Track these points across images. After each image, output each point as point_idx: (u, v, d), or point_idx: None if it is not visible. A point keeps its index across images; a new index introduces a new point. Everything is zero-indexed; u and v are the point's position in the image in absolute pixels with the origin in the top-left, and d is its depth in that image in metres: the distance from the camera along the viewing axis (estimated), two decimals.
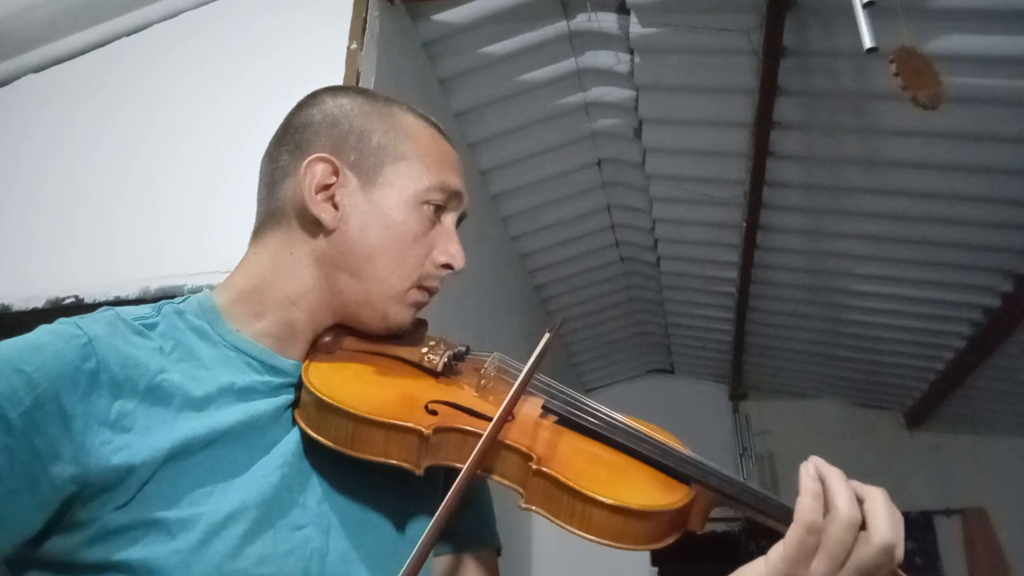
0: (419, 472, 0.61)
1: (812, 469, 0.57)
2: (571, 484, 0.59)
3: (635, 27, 2.18)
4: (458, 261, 0.71)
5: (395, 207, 0.68)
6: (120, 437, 0.55)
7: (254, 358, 0.66)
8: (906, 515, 0.57)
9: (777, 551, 0.55)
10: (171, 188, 1.60)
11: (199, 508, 0.56)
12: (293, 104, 0.75)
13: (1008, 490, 4.03)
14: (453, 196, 0.72)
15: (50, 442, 0.52)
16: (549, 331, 0.71)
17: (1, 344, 0.55)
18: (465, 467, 0.57)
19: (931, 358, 3.62)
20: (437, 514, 0.54)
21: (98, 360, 0.56)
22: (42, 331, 0.57)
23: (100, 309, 0.63)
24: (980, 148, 2.26)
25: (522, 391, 0.64)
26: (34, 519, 0.52)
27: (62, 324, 0.58)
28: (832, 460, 0.60)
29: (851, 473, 0.60)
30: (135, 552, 0.53)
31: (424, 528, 0.55)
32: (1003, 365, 3.37)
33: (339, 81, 1.57)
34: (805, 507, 0.54)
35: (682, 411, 4.56)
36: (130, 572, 0.53)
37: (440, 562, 0.73)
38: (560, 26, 2.25)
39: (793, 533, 0.54)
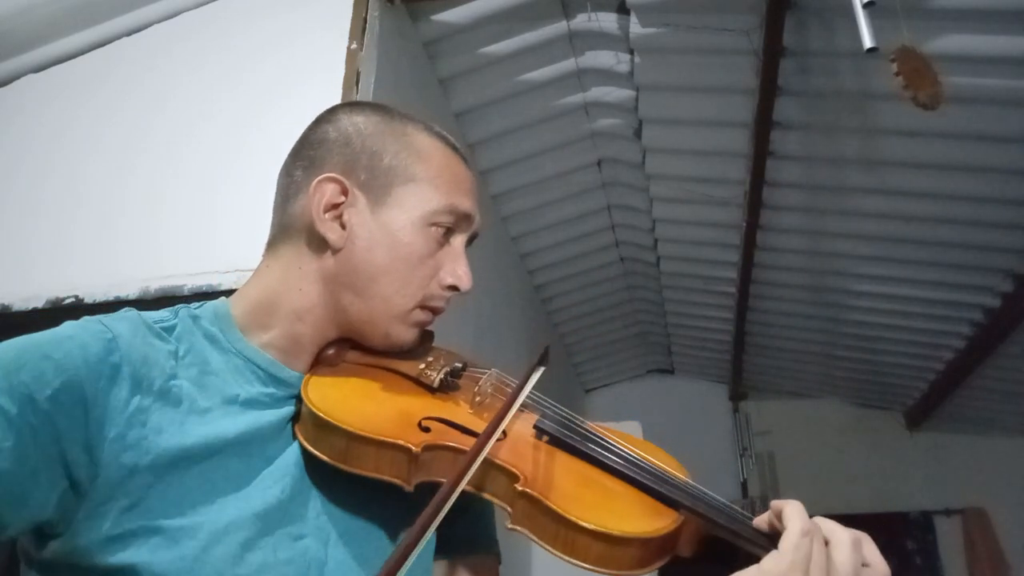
0: (409, 488, 0.61)
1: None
2: (554, 508, 0.58)
3: (635, 27, 2.18)
4: (464, 283, 0.72)
5: (402, 228, 0.69)
6: (133, 432, 0.57)
7: (260, 368, 0.67)
8: (906, 515, 0.58)
9: (771, 558, 0.55)
10: (171, 188, 1.60)
11: (201, 517, 0.57)
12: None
13: (1008, 490, 4.03)
14: (463, 218, 0.72)
15: (72, 425, 0.54)
16: (541, 363, 0.70)
17: (29, 336, 0.57)
18: (447, 483, 0.56)
19: (931, 358, 3.62)
20: (417, 523, 0.52)
21: (121, 356, 0.58)
22: (68, 325, 0.59)
23: (123, 309, 0.65)
24: (980, 148, 2.26)
25: (505, 413, 0.63)
26: (48, 501, 0.53)
27: (87, 320, 0.60)
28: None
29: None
30: (138, 557, 0.54)
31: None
32: (1003, 365, 3.37)
33: (339, 81, 1.57)
34: (797, 513, 0.56)
35: (682, 411, 4.56)
36: None
37: (439, 567, 0.73)
38: (560, 26, 2.25)
39: (788, 538, 0.55)
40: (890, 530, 4.04)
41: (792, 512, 0.57)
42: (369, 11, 1.71)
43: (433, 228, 0.70)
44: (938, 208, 2.57)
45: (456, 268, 0.71)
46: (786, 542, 0.55)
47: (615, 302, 4.03)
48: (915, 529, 4.10)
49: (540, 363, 0.70)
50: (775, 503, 0.59)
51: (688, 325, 4.17)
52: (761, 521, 0.60)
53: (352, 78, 1.58)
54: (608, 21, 2.22)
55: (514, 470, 0.61)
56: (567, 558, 0.58)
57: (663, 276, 3.64)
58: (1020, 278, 2.77)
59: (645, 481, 0.63)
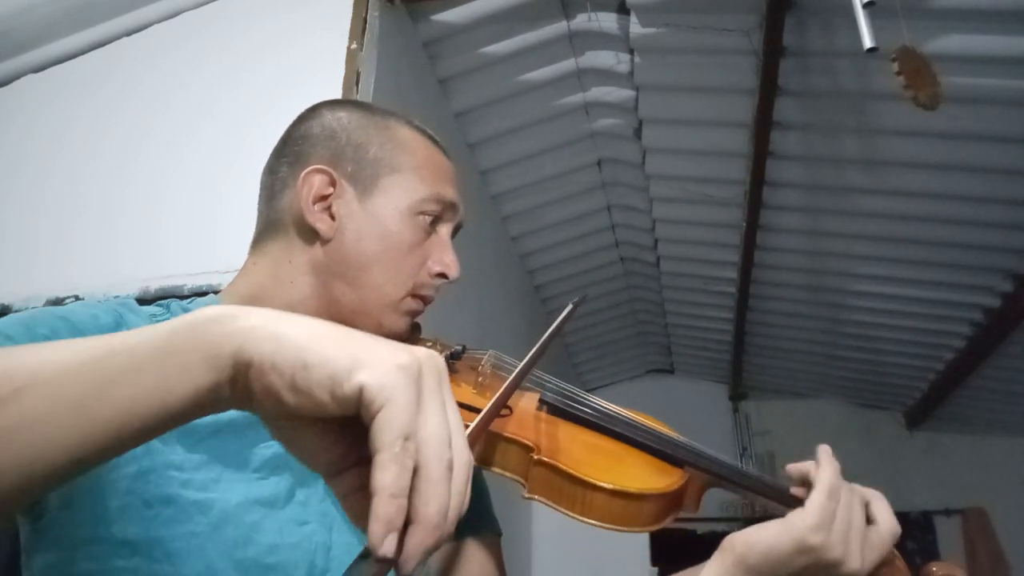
0: None
1: (830, 450, 0.64)
2: (571, 471, 0.61)
3: (635, 27, 2.18)
4: (452, 271, 0.73)
5: (390, 217, 0.70)
6: None
7: None
8: (906, 515, 0.61)
9: (797, 514, 0.59)
10: (171, 188, 1.60)
11: (211, 493, 0.57)
12: (293, 104, 0.76)
13: (1008, 490, 4.03)
14: (448, 207, 0.74)
15: None
16: (573, 304, 0.76)
17: (38, 308, 0.60)
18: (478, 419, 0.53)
19: (931, 358, 3.62)
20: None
21: (127, 328, 0.60)
22: (75, 304, 0.62)
23: (123, 297, 0.69)
24: (980, 148, 2.27)
25: (532, 366, 0.65)
26: None
27: (92, 301, 0.64)
28: None
29: (851, 473, 0.62)
30: (152, 530, 0.54)
31: None
32: (1003, 365, 3.37)
33: (339, 81, 1.58)
34: (830, 474, 0.61)
35: (682, 411, 4.55)
36: (143, 552, 0.54)
37: (443, 549, 0.74)
38: (560, 26, 2.25)
39: (816, 498, 0.59)
40: None
41: (823, 474, 0.60)
42: (369, 11, 1.71)
43: (420, 217, 0.71)
44: (938, 208, 2.58)
45: (444, 256, 0.73)
46: (813, 503, 0.58)
47: (615, 302, 4.04)
48: (915, 529, 4.10)
49: (574, 307, 0.75)
50: (810, 463, 0.63)
51: (688, 325, 4.18)
52: (796, 469, 0.64)
53: (352, 78, 1.58)
54: (608, 21, 2.22)
55: (527, 442, 0.63)
56: (585, 519, 0.61)
57: (663, 276, 3.64)
58: (1020, 278, 2.77)
59: (649, 443, 0.67)
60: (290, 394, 0.36)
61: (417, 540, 0.34)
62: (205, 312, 0.38)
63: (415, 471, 0.34)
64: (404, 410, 0.35)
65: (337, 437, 0.38)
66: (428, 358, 0.38)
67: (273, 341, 0.36)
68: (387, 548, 0.33)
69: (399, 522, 0.33)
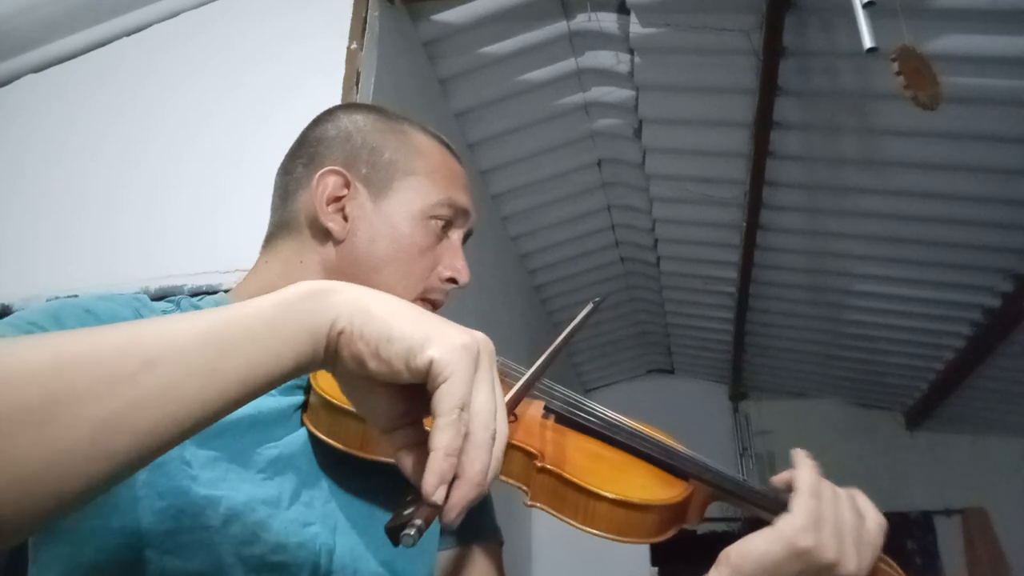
0: None
1: (804, 452, 0.65)
2: (575, 480, 0.60)
3: (635, 27, 2.18)
4: (463, 276, 0.73)
5: (403, 220, 0.70)
6: None
7: None
8: (906, 515, 0.60)
9: (784, 519, 0.58)
10: (172, 188, 1.60)
11: (219, 490, 0.57)
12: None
13: (1008, 490, 4.03)
14: (460, 213, 0.74)
15: None
16: (594, 302, 0.77)
17: (61, 300, 0.61)
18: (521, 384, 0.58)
19: (931, 358, 3.62)
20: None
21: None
22: (91, 297, 0.63)
23: (134, 292, 0.67)
24: (980, 148, 2.27)
25: (547, 367, 0.65)
26: None
27: (104, 294, 0.64)
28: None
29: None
30: (163, 524, 0.54)
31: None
32: (1003, 365, 3.37)
33: (339, 81, 1.58)
34: (808, 474, 0.61)
35: (682, 411, 4.56)
36: (154, 544, 0.54)
37: (445, 556, 0.74)
38: (560, 26, 2.26)
39: (799, 499, 0.59)
40: (890, 530, 4.03)
41: (801, 475, 0.61)
42: (369, 11, 1.71)
43: (432, 221, 0.71)
44: (938, 208, 2.58)
45: (454, 262, 0.73)
46: (797, 505, 0.58)
47: (615, 302, 4.04)
48: (915, 529, 4.10)
49: (595, 306, 0.76)
50: (790, 471, 0.63)
51: (688, 325, 4.18)
52: (779, 480, 0.64)
53: (352, 78, 1.59)
54: (608, 21, 2.23)
55: (531, 449, 0.63)
56: (587, 528, 0.61)
57: (663, 276, 3.64)
58: (1020, 278, 2.77)
59: (654, 454, 0.67)
60: (373, 361, 0.41)
61: (461, 493, 0.40)
62: (309, 286, 0.44)
63: (465, 436, 0.40)
64: (464, 383, 0.41)
65: (400, 399, 0.44)
66: (485, 341, 0.44)
67: (364, 314, 0.42)
68: (438, 496, 0.39)
69: (449, 477, 0.40)
